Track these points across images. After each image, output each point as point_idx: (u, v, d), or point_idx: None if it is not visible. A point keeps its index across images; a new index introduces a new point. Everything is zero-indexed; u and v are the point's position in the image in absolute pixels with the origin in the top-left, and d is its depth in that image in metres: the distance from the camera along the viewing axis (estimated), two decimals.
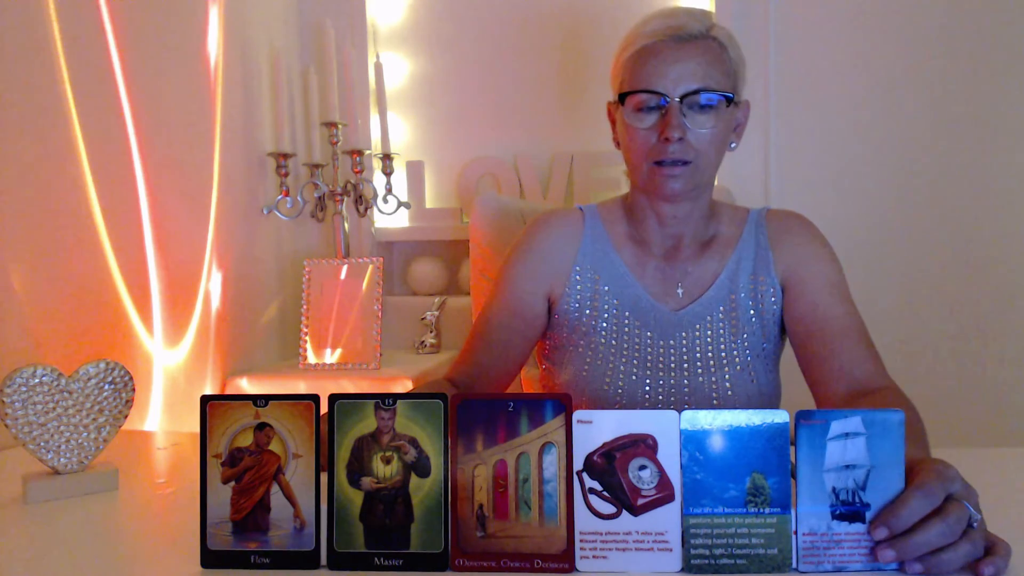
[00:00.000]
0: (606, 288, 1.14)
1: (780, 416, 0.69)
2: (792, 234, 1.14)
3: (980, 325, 1.98)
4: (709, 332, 1.12)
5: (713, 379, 1.11)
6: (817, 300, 1.10)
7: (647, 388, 1.12)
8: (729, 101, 1.05)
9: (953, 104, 1.96)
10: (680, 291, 1.13)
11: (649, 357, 1.12)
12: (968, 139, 1.96)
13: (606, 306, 1.14)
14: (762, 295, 1.12)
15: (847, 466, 0.68)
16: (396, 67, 2.12)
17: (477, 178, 2.07)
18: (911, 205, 1.99)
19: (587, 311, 1.15)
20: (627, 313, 1.13)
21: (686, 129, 1.03)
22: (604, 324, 1.14)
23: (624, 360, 1.12)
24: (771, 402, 1.13)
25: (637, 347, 1.12)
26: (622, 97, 1.08)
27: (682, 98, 1.03)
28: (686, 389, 1.11)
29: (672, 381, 1.11)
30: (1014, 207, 1.96)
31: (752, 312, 1.12)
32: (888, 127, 1.99)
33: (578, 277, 1.15)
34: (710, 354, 1.11)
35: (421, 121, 2.14)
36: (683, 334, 1.12)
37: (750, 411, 0.69)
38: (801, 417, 0.69)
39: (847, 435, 0.68)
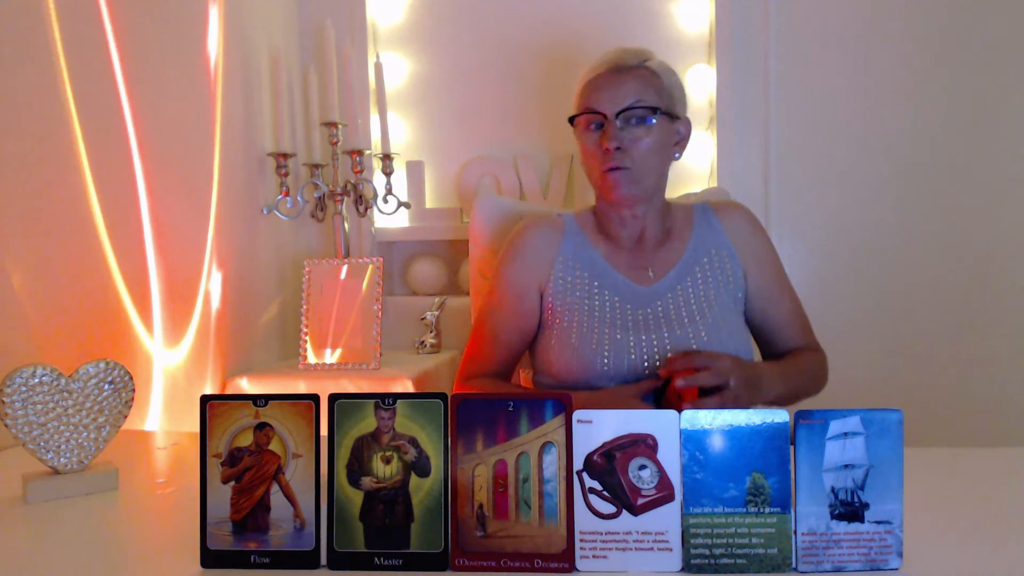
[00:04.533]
0: (586, 274, 1.30)
1: (780, 416, 0.69)
2: (741, 224, 1.34)
3: (980, 325, 1.97)
4: (681, 297, 1.27)
5: (690, 331, 1.24)
6: (767, 286, 1.33)
7: (631, 346, 1.22)
8: (655, 111, 1.24)
9: (953, 104, 1.96)
10: (651, 273, 1.30)
11: (631, 322, 1.25)
12: (968, 139, 1.96)
13: (587, 287, 1.29)
14: (727, 264, 1.31)
15: (846, 466, 0.68)
16: (396, 67, 2.12)
17: (477, 178, 2.07)
18: (911, 205, 1.99)
19: (569, 294, 1.29)
20: (607, 292, 1.28)
21: (623, 140, 1.23)
22: (587, 300, 1.28)
23: (608, 325, 1.25)
24: (745, 349, 1.27)
25: (619, 316, 1.26)
26: (571, 120, 1.30)
27: (618, 115, 1.23)
28: (667, 342, 1.22)
29: (653, 337, 1.23)
30: (1015, 207, 1.95)
31: (720, 277, 1.30)
32: (888, 127, 1.99)
33: (561, 267, 1.31)
34: (684, 313, 1.26)
35: (421, 121, 2.14)
36: (658, 303, 1.27)
37: (750, 411, 0.69)
38: (800, 417, 0.69)
39: (846, 435, 0.68)
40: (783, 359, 1.30)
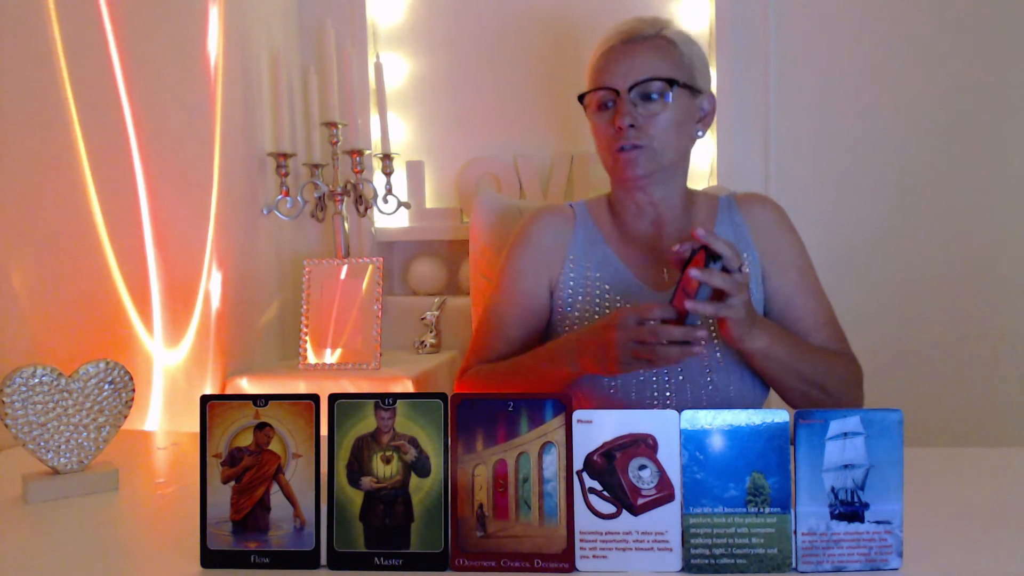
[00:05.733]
0: (597, 275, 1.20)
1: (780, 416, 0.69)
2: (765, 219, 1.22)
3: (980, 324, 1.97)
4: None
5: (704, 351, 1.10)
6: (790, 288, 1.19)
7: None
8: (671, 84, 1.14)
9: (954, 104, 1.96)
10: (666, 275, 1.19)
11: None
12: (969, 138, 1.96)
13: (597, 291, 1.19)
14: (747, 267, 1.16)
15: (846, 466, 0.68)
16: (396, 67, 2.12)
17: (477, 178, 2.07)
18: (911, 204, 1.99)
19: (580, 297, 1.20)
20: (618, 297, 1.18)
21: (636, 117, 1.13)
22: (597, 308, 1.19)
23: None
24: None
25: None
26: (581, 99, 1.20)
27: (631, 89, 1.13)
28: (678, 365, 1.12)
29: None
30: (1015, 206, 1.95)
31: None
32: (889, 126, 1.99)
33: (571, 266, 1.22)
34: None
35: (421, 121, 2.13)
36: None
37: (750, 411, 0.69)
38: (800, 417, 0.69)
39: (846, 435, 0.68)
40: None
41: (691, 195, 1.26)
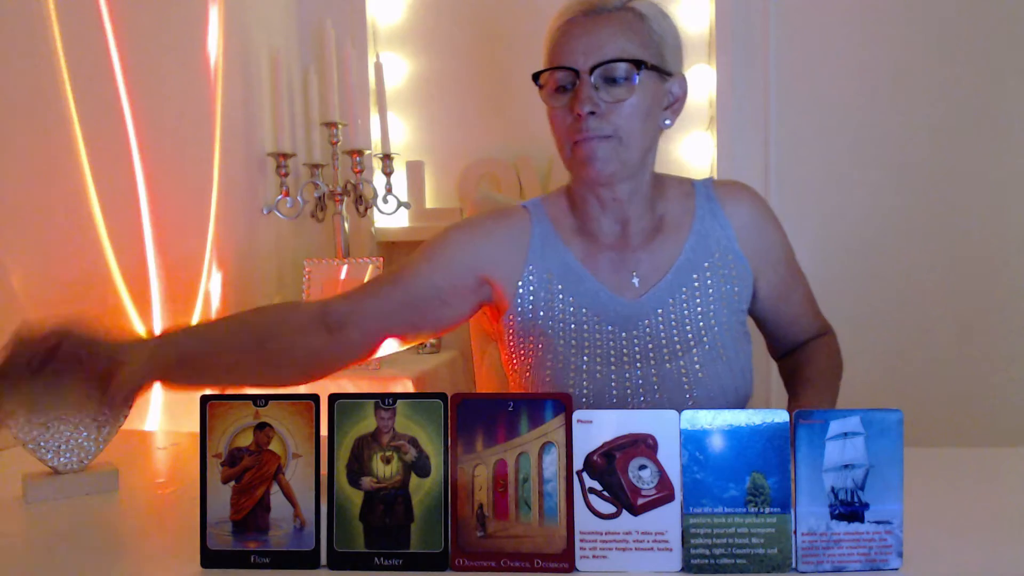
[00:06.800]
0: (560, 287, 1.07)
1: (780, 416, 0.69)
2: (750, 217, 1.12)
3: (980, 324, 1.97)
4: (673, 316, 1.06)
5: (681, 363, 1.05)
6: (780, 283, 1.15)
7: (613, 384, 1.05)
8: (639, 66, 0.98)
9: (953, 103, 1.96)
10: (636, 280, 1.07)
11: (612, 351, 1.06)
12: (968, 138, 1.96)
13: (561, 305, 1.07)
14: (732, 269, 1.09)
15: (846, 466, 0.68)
16: (396, 67, 2.12)
17: (477, 178, 2.07)
18: (911, 204, 1.99)
19: (541, 312, 1.08)
20: (584, 309, 1.06)
21: (598, 103, 0.98)
22: (561, 324, 1.07)
23: (587, 358, 1.06)
24: (743, 375, 1.08)
25: (599, 342, 1.06)
26: (535, 78, 1.05)
27: (592, 70, 0.98)
28: (654, 378, 1.05)
29: (639, 373, 1.05)
30: (1014, 206, 1.96)
31: (723, 288, 1.08)
32: (888, 126, 1.99)
33: (531, 278, 1.08)
34: (676, 338, 1.06)
35: (421, 121, 2.14)
36: (645, 322, 1.06)
37: (750, 411, 0.69)
38: (800, 417, 0.69)
39: (846, 435, 0.68)
40: (810, 376, 1.12)
41: (659, 183, 1.11)
